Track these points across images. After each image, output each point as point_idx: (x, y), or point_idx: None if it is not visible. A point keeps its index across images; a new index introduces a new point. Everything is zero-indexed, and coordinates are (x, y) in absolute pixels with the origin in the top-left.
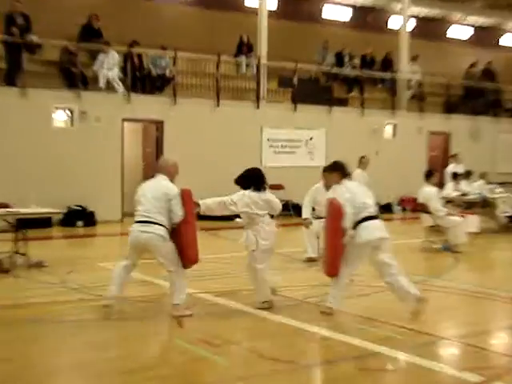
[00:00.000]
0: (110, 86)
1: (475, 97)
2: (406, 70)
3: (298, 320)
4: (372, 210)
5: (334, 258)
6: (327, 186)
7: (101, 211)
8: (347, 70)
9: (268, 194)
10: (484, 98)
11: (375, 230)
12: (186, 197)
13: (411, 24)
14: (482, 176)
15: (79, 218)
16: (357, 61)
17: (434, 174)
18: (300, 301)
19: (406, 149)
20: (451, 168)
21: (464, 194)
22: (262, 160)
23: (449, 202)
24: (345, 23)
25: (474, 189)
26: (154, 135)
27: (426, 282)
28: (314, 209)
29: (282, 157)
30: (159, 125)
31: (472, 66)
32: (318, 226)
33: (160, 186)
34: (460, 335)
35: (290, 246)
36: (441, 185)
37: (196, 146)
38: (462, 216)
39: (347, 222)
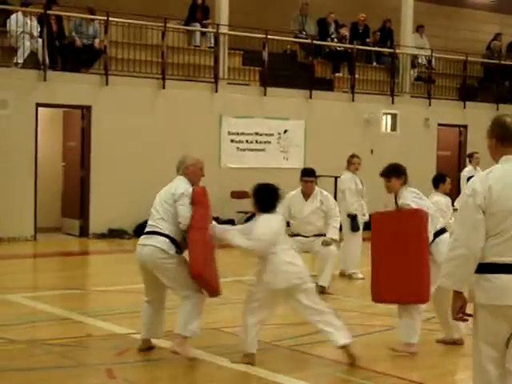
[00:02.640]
0: (26, 62)
1: (499, 79)
2: (410, 44)
3: (267, 369)
4: None
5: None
6: (307, 194)
7: (6, 225)
8: (333, 43)
9: None
10: (510, 80)
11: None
12: (197, 197)
13: None
14: None
15: None
16: (345, 31)
17: (445, 179)
18: (270, 344)
19: (410, 146)
20: (467, 172)
21: None
22: (221, 159)
23: None
24: None
25: None
26: (79, 125)
27: (433, 319)
28: (288, 224)
29: (247, 155)
30: (86, 111)
31: (495, 38)
32: (295, 245)
33: (169, 187)
34: None
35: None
36: (454, 193)
37: (133, 140)
38: None
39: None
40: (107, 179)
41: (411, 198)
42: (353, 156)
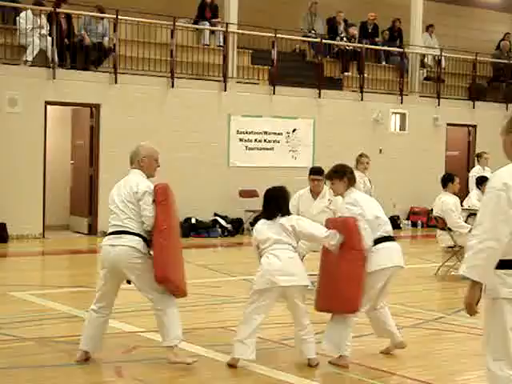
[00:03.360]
0: (35, 60)
1: (508, 79)
2: (420, 43)
3: (275, 368)
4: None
5: (358, 290)
6: (316, 193)
7: (15, 223)
8: (342, 42)
9: None
10: None
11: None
12: (160, 194)
13: None
14: None
15: None
16: (355, 30)
17: (453, 179)
18: (278, 343)
19: (418, 146)
20: (476, 171)
21: None
22: (230, 158)
23: (473, 215)
24: None
25: None
26: (88, 123)
27: (441, 319)
28: None
29: (256, 154)
30: (94, 110)
31: (505, 38)
32: (303, 244)
33: (128, 183)
34: None
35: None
36: (463, 193)
37: (142, 139)
38: None
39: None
40: (116, 177)
41: (345, 204)
42: (362, 155)
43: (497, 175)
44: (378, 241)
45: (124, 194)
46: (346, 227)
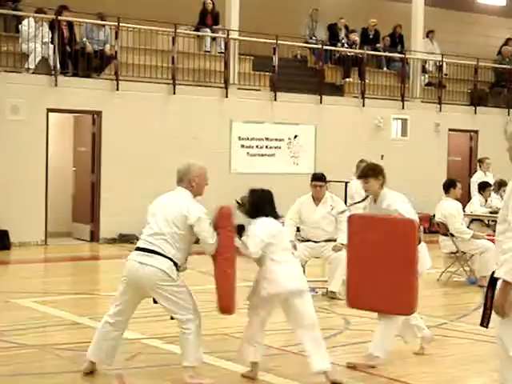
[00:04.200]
0: (37, 67)
1: (510, 84)
2: (421, 49)
3: (277, 375)
4: None
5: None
6: (317, 199)
7: (17, 230)
8: (343, 48)
9: None
10: None
11: None
12: (222, 219)
13: None
14: None
15: None
16: (356, 36)
17: (455, 184)
18: (280, 350)
19: (420, 151)
20: (478, 177)
21: (494, 212)
22: (232, 164)
23: (475, 220)
24: None
25: None
26: (90, 130)
27: (444, 325)
28: (298, 229)
29: (258, 161)
30: (96, 117)
31: (506, 43)
32: (305, 251)
33: (176, 203)
34: None
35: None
36: (465, 199)
37: (144, 146)
38: (492, 240)
39: None
40: (118, 184)
41: (399, 201)
42: (362, 161)
43: None
44: None
45: (169, 213)
46: (409, 225)
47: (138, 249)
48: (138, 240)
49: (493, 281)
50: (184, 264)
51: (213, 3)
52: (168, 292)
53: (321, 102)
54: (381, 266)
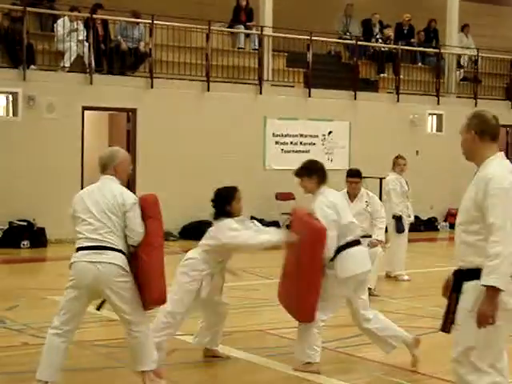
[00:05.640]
0: (72, 66)
1: None
2: (456, 44)
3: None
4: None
5: (314, 302)
6: (353, 195)
7: (53, 228)
8: (377, 44)
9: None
10: None
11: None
12: (149, 207)
13: None
14: None
15: (24, 236)
16: (390, 31)
17: None
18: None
19: (455, 147)
20: None
21: None
22: (266, 161)
23: None
24: None
25: None
26: (124, 128)
27: None
28: None
29: (292, 157)
30: (131, 114)
31: None
32: None
33: (109, 192)
34: None
35: None
36: None
37: (178, 143)
38: None
39: (330, 249)
40: (152, 181)
41: (321, 205)
42: (398, 157)
43: (497, 175)
44: (348, 245)
45: (105, 203)
46: (314, 233)
47: (83, 248)
48: (172, 236)
49: (457, 284)
50: (129, 252)
51: (246, 0)
52: (123, 288)
53: (355, 98)
54: (293, 266)
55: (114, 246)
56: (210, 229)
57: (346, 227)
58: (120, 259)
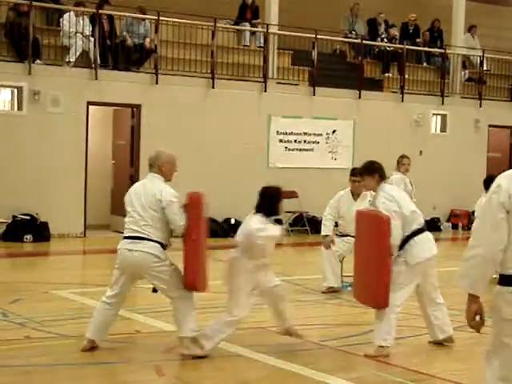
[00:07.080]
0: (77, 61)
1: None
2: (461, 44)
3: (313, 369)
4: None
5: (385, 286)
6: (356, 194)
7: (56, 222)
8: (382, 43)
9: None
10: None
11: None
12: (193, 203)
13: None
14: None
15: (27, 230)
16: (395, 31)
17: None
18: (317, 344)
19: (459, 147)
20: None
21: None
22: (270, 159)
23: None
24: None
25: None
26: (129, 124)
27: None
28: (337, 224)
29: (296, 155)
30: (135, 110)
31: None
32: (343, 246)
33: (150, 189)
34: None
35: (303, 271)
36: None
37: (183, 140)
38: None
39: (395, 238)
40: None
41: (382, 199)
42: (403, 157)
43: (497, 178)
44: (414, 234)
45: (146, 199)
46: (376, 221)
47: (125, 237)
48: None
49: None
50: (169, 241)
51: None
52: (160, 271)
53: (359, 97)
54: (363, 261)
55: (150, 237)
56: (259, 226)
57: (409, 217)
58: (154, 248)
